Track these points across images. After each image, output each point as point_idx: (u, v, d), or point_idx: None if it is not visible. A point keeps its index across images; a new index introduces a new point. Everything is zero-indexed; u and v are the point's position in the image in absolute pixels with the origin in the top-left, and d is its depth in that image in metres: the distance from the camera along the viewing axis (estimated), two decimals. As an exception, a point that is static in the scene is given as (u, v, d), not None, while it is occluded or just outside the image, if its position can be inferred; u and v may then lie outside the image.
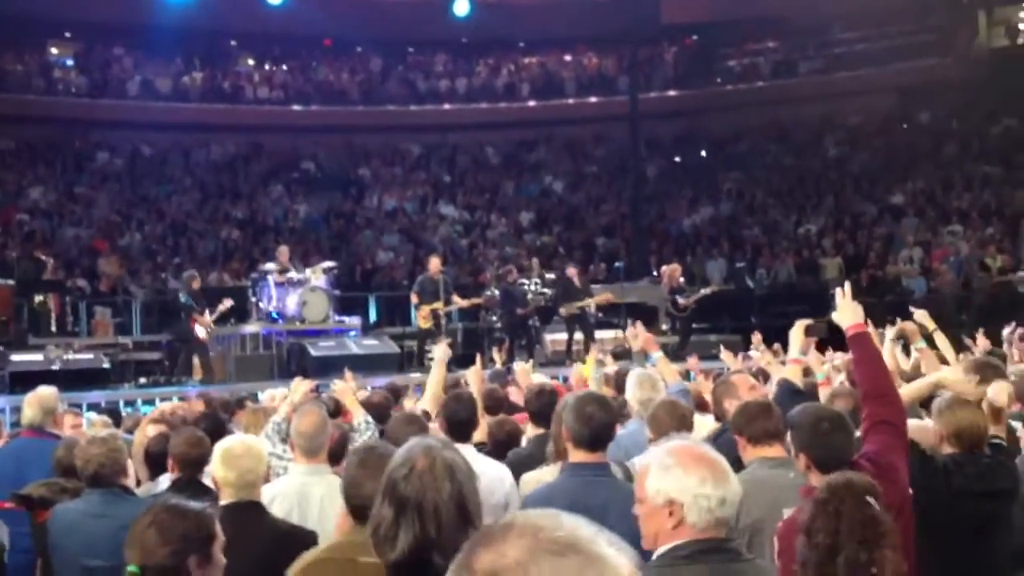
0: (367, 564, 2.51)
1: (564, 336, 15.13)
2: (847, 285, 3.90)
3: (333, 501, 4.00)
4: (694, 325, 15.32)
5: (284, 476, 4.42)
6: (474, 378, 6.43)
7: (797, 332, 5.13)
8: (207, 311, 13.01)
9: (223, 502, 3.62)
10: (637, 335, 6.77)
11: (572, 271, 15.26)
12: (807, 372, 5.67)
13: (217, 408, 6.79)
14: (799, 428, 3.49)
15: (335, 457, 4.31)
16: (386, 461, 2.54)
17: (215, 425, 5.18)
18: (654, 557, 2.55)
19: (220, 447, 3.77)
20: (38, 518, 4.26)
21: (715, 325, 16.54)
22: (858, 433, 3.54)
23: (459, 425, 4.57)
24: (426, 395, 6.17)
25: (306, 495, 4.10)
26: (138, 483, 4.78)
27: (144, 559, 2.59)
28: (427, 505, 2.30)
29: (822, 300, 17.10)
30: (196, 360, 13.11)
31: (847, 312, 3.74)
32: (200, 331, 12.93)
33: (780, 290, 18.68)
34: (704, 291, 15.52)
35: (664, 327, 15.40)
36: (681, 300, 14.93)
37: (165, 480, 4.63)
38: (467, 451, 4.17)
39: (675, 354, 11.59)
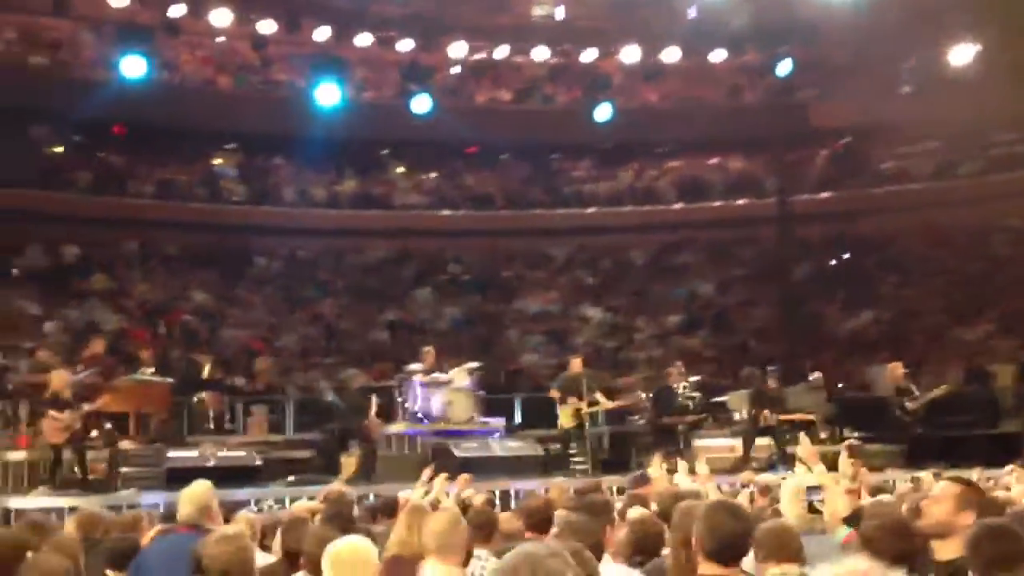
0: None
1: (717, 442, 14.60)
2: None
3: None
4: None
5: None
6: None
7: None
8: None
9: None
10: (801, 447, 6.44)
11: (770, 378, 14.75)
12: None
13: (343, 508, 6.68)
14: None
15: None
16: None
17: (344, 524, 5.08)
18: None
19: (328, 551, 3.67)
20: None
21: (873, 435, 15.56)
22: None
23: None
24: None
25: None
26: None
27: None
28: None
29: (993, 409, 16.11)
30: (346, 458, 13.18)
31: None
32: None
33: (948, 397, 17.60)
34: (935, 392, 14.50)
35: (822, 435, 14.66)
36: (909, 404, 14.00)
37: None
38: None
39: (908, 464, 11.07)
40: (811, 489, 5.94)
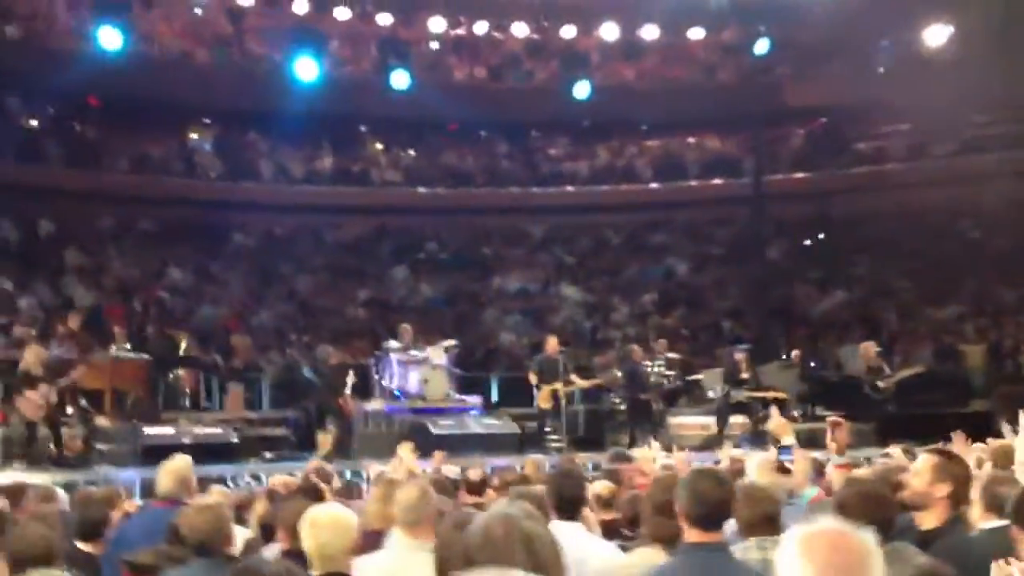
0: None
1: (691, 420, 14.76)
2: None
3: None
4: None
5: (382, 550, 4.30)
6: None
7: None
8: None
9: (313, 574, 3.56)
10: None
11: (739, 355, 14.91)
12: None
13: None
14: None
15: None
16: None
17: (318, 496, 5.15)
18: None
19: (306, 517, 3.70)
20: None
21: (845, 413, 15.74)
22: None
23: (566, 502, 4.45)
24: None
25: (402, 571, 3.95)
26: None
27: None
28: None
29: (964, 388, 16.34)
30: (323, 435, 13.23)
31: None
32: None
33: (918, 377, 17.82)
34: (907, 371, 14.67)
35: (796, 413, 14.81)
36: (881, 383, 14.15)
37: (274, 548, 4.58)
38: (570, 529, 4.01)
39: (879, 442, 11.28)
40: (783, 449, 6.04)
